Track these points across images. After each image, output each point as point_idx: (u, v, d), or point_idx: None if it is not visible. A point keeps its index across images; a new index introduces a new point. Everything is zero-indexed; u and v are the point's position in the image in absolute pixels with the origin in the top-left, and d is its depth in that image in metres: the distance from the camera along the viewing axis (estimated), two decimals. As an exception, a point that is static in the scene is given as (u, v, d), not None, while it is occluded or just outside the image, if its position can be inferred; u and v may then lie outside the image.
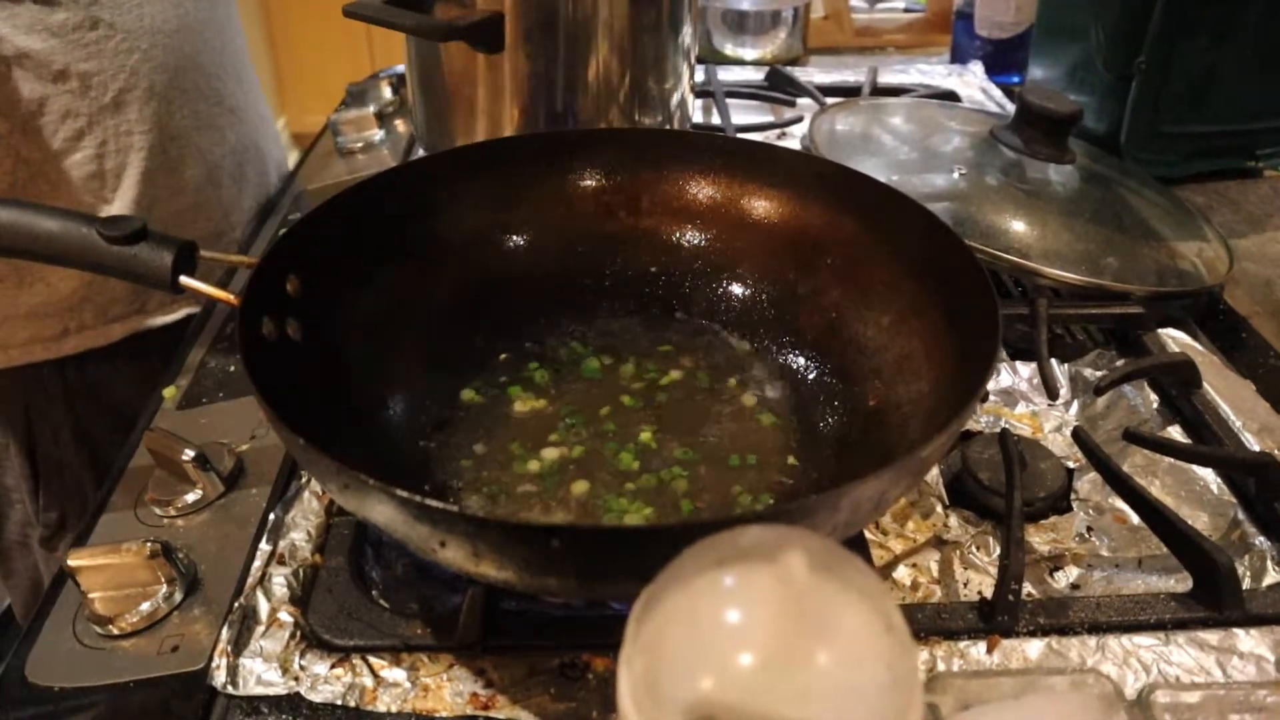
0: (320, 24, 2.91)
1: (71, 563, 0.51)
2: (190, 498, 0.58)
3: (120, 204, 0.84)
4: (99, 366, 0.88)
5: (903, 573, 0.57)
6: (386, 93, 1.13)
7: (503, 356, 0.65)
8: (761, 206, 0.67)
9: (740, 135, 0.95)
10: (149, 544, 0.51)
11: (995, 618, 0.50)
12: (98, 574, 0.51)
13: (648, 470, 0.58)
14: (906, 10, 1.47)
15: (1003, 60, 1.20)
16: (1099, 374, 0.67)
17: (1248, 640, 0.49)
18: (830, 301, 0.63)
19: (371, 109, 1.07)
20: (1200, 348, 0.71)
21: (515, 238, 0.67)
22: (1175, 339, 0.72)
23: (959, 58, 1.26)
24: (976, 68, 1.20)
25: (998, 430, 0.62)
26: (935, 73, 1.21)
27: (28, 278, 0.83)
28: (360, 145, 1.04)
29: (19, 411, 0.88)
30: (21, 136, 0.78)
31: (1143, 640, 0.50)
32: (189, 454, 0.58)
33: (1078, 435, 0.60)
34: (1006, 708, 0.40)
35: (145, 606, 0.51)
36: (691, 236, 0.69)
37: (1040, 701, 0.40)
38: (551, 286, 0.67)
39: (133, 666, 0.49)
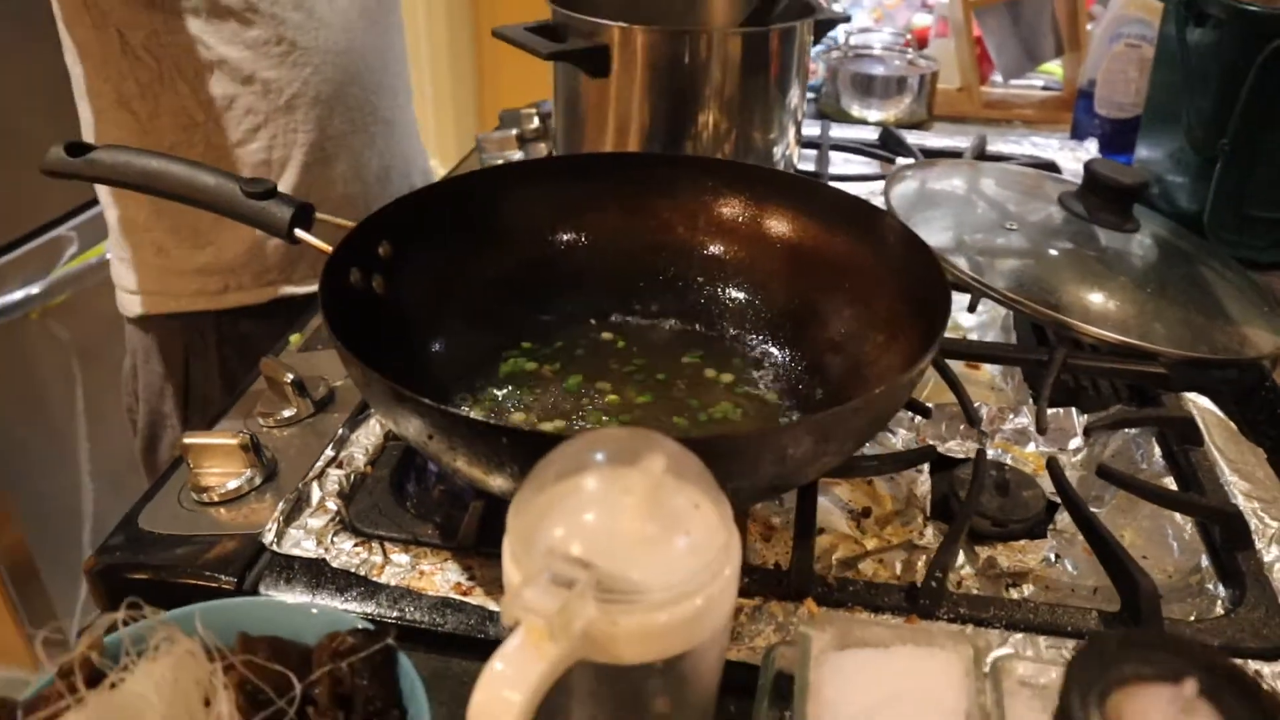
0: (520, 59, 3.18)
1: (186, 441, 0.65)
2: (286, 413, 0.71)
3: (281, 189, 1.01)
4: (248, 322, 1.05)
5: (867, 565, 0.63)
6: (534, 121, 1.28)
7: (551, 332, 0.75)
8: (783, 229, 0.76)
9: (831, 183, 1.02)
10: (242, 435, 0.65)
11: (919, 600, 0.56)
12: (202, 453, 0.65)
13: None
14: (1045, 89, 1.50)
15: (1118, 140, 1.22)
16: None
17: (1153, 657, 0.53)
18: (841, 320, 0.71)
19: (514, 132, 1.22)
20: (1219, 413, 0.73)
21: (582, 235, 0.78)
22: (1195, 402, 0.74)
23: (1078, 134, 1.28)
24: (1091, 144, 1.23)
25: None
26: (1048, 146, 1.24)
27: (201, 240, 1.01)
28: (500, 161, 1.19)
29: (179, 352, 1.06)
30: (214, 126, 0.97)
31: (1051, 641, 0.54)
32: (289, 378, 0.71)
33: (1050, 465, 0.65)
34: (872, 654, 0.46)
35: (231, 484, 0.64)
36: (729, 251, 0.78)
37: (903, 652, 0.46)
38: (605, 281, 0.77)
39: (214, 525, 0.62)
